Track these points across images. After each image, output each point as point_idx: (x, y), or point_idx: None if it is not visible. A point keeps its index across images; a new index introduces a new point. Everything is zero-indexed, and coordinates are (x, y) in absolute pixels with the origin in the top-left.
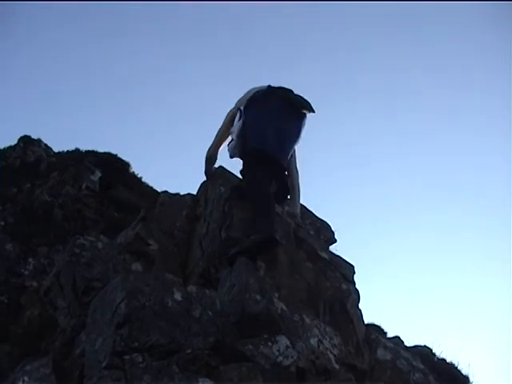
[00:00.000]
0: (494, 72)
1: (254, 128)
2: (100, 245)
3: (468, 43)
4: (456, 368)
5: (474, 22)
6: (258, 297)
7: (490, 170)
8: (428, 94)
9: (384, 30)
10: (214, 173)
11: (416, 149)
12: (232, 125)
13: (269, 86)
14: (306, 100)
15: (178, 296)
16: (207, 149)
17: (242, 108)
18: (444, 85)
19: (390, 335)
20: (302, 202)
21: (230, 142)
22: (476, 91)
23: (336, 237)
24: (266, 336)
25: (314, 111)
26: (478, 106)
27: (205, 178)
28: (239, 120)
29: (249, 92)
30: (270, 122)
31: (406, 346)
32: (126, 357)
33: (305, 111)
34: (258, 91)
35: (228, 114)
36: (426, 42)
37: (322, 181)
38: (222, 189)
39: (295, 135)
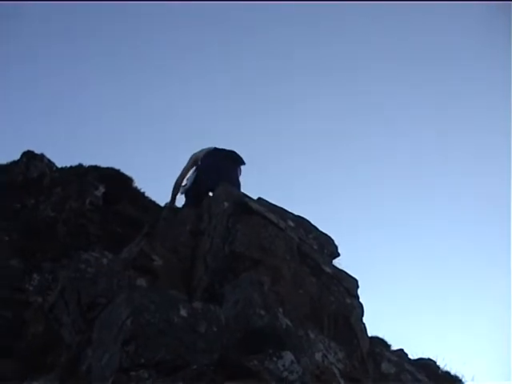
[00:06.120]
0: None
1: (207, 172)
2: (104, 260)
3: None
4: (460, 381)
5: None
6: (263, 312)
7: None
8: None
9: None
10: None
11: (425, 162)
12: (193, 167)
13: (215, 148)
14: (239, 156)
15: (183, 312)
16: (176, 179)
17: (198, 162)
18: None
19: (393, 348)
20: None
21: (184, 185)
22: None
23: (339, 251)
24: (271, 351)
25: (244, 163)
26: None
27: None
28: (194, 172)
29: (201, 151)
30: (217, 172)
31: (410, 359)
32: (133, 373)
33: (240, 163)
34: (207, 151)
35: (191, 158)
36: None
37: (326, 195)
38: (226, 204)
39: (235, 178)
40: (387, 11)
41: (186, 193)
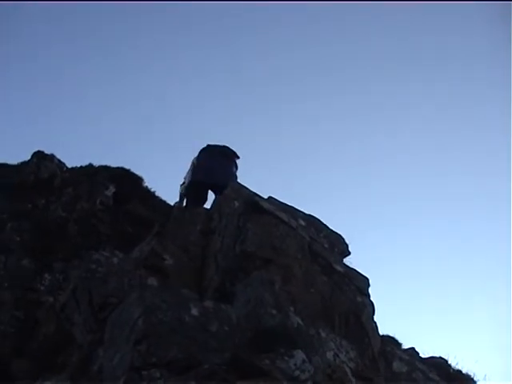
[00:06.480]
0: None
1: (202, 169)
2: (115, 260)
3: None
4: (472, 380)
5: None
6: (274, 311)
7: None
8: None
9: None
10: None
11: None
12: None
13: (208, 145)
14: (232, 150)
15: (194, 311)
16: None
17: (194, 161)
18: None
19: (404, 346)
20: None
21: (182, 184)
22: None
23: (350, 249)
24: (282, 350)
25: (238, 157)
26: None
27: None
28: (191, 170)
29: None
30: (210, 166)
31: (421, 358)
32: (144, 372)
33: (233, 157)
34: (201, 149)
35: (192, 161)
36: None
37: (337, 194)
38: (236, 203)
39: (229, 171)
40: (387, 11)
41: (186, 189)
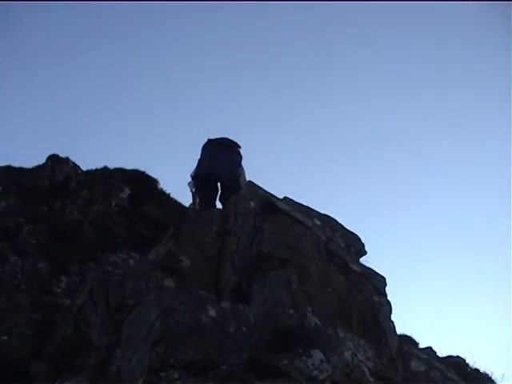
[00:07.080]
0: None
1: (205, 162)
2: (132, 262)
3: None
4: (490, 379)
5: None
6: (291, 311)
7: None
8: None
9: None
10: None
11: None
12: None
13: (208, 139)
14: (233, 141)
15: (212, 312)
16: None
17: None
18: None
19: (422, 346)
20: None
21: (189, 182)
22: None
23: (366, 249)
24: (300, 350)
25: (240, 147)
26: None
27: None
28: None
29: None
30: (211, 158)
31: (438, 357)
32: (163, 374)
33: (235, 147)
34: (204, 144)
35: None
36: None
37: (353, 193)
38: (252, 204)
39: (232, 161)
40: (386, 11)
41: (194, 185)
